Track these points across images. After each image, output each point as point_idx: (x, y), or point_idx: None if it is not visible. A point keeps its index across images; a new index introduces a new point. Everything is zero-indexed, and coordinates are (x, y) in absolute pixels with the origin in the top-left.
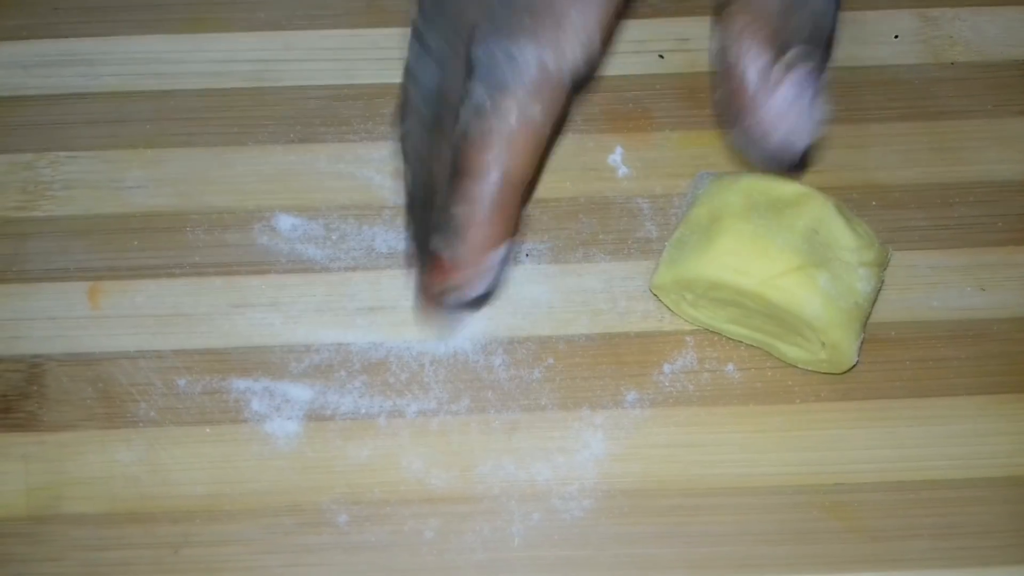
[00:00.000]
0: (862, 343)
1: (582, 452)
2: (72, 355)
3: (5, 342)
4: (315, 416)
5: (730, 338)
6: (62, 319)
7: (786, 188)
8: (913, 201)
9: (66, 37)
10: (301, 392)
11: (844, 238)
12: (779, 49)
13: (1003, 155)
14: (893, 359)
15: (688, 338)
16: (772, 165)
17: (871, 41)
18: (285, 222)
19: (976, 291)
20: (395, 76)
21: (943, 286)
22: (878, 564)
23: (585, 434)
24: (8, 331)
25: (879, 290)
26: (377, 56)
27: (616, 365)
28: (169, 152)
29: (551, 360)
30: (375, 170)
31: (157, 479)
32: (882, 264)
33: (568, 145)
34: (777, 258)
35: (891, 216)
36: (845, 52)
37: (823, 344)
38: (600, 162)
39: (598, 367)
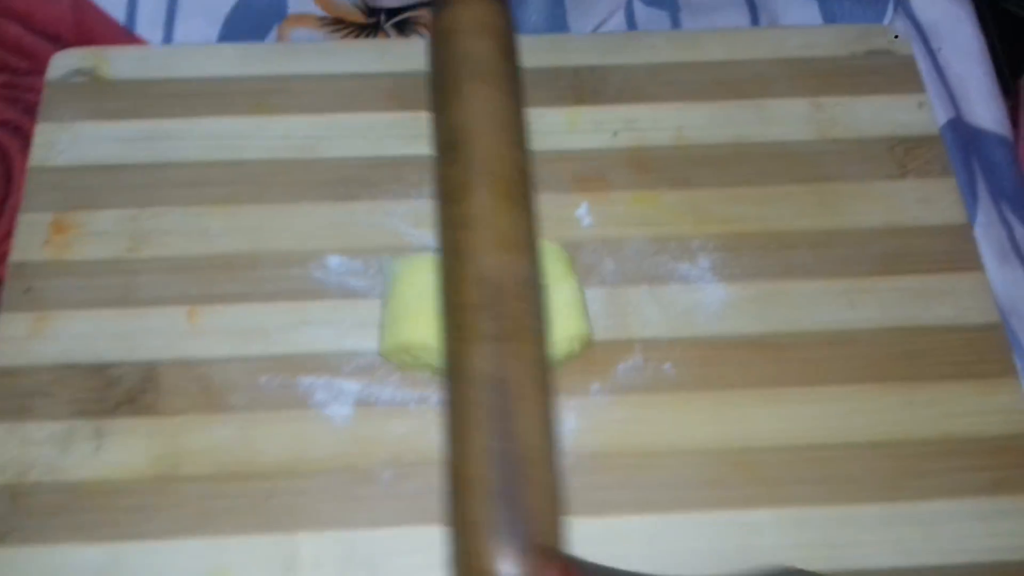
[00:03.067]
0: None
1: (561, 427)
2: (178, 360)
3: (127, 351)
4: (363, 403)
5: None
6: (169, 333)
7: None
8: (803, 243)
9: (154, 118)
10: (351, 386)
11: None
12: None
13: (870, 208)
14: (785, 358)
15: (637, 345)
16: None
17: (773, 122)
18: (334, 261)
19: (848, 308)
20: (414, 149)
21: (824, 305)
22: (772, 503)
23: (563, 414)
24: (128, 343)
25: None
26: (399, 134)
27: (585, 364)
28: (242, 207)
29: None
30: (400, 220)
31: (248, 449)
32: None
33: (545, 202)
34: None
35: (787, 254)
36: (755, 131)
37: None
38: (570, 216)
39: (571, 366)
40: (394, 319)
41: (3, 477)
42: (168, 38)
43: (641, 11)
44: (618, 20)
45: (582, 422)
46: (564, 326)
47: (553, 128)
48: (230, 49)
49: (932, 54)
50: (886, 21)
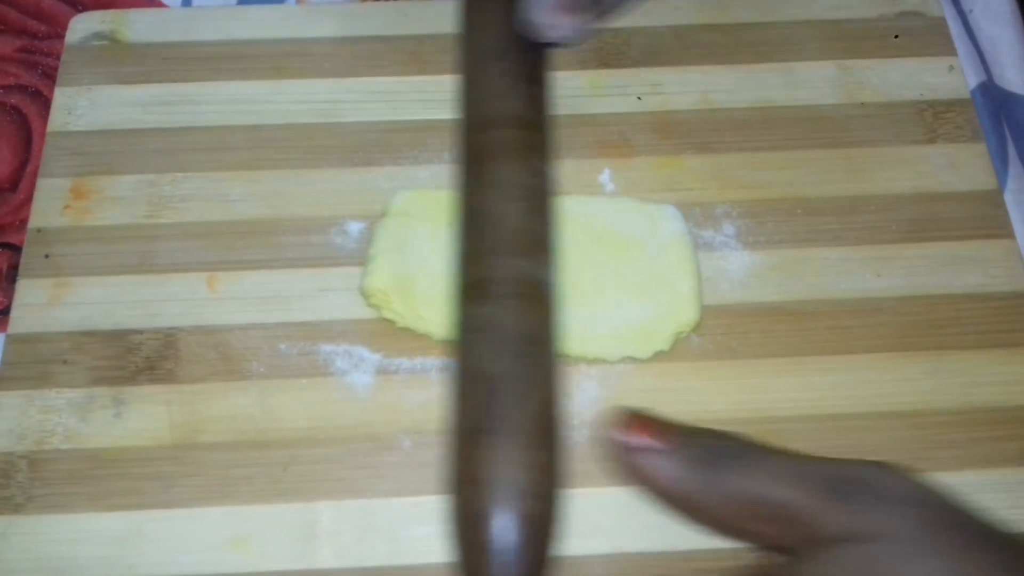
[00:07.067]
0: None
1: (581, 396)
2: (198, 327)
3: (146, 318)
4: (384, 371)
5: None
6: (188, 300)
7: None
8: (829, 210)
9: (174, 82)
10: (372, 354)
11: None
12: None
13: (898, 174)
14: (809, 327)
15: None
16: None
17: (800, 86)
18: (354, 227)
19: (873, 276)
20: (436, 114)
21: (849, 273)
22: None
23: (584, 383)
24: (148, 310)
25: None
26: (421, 98)
27: None
28: (262, 173)
29: None
30: (421, 185)
31: (268, 417)
32: None
33: (567, 168)
34: None
35: (812, 221)
36: (781, 95)
37: None
38: (593, 181)
39: None
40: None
41: (22, 445)
42: (187, 1)
43: None
44: None
45: (603, 391)
46: (683, 313)
47: (576, 92)
48: (250, 12)
49: (963, 16)
50: None
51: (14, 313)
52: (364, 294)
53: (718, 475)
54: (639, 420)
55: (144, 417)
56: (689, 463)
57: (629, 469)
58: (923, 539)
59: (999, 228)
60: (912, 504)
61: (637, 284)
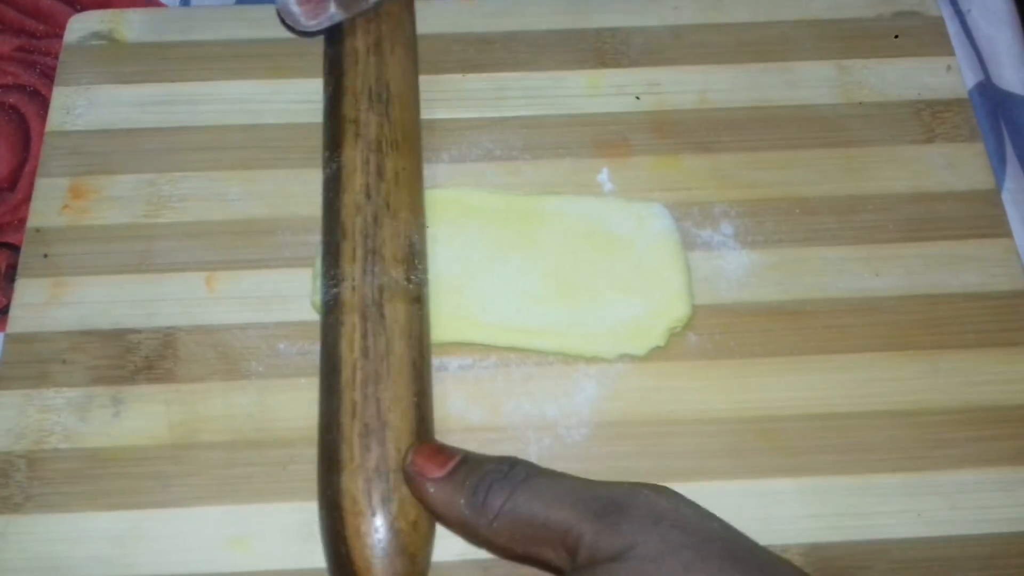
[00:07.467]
0: None
1: (580, 395)
2: (197, 327)
3: (144, 317)
4: None
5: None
6: (187, 300)
7: None
8: (827, 209)
9: (172, 81)
10: None
11: None
12: None
13: (896, 174)
14: (808, 326)
15: None
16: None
17: (798, 85)
18: None
19: (872, 275)
20: (433, 113)
21: (847, 272)
22: (793, 472)
23: (582, 382)
24: (146, 309)
25: None
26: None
27: None
28: (261, 172)
29: None
30: None
31: (267, 416)
32: None
33: (565, 167)
34: None
35: (810, 220)
36: (779, 94)
37: None
38: (591, 180)
39: None
40: (314, 278)
41: (21, 444)
42: (186, 1)
43: None
44: None
45: (601, 390)
46: (675, 308)
47: (574, 92)
48: (248, 12)
49: (961, 15)
50: None
51: (13, 312)
52: (316, 310)
53: (486, 499)
54: (420, 448)
55: (143, 416)
56: (459, 489)
57: (415, 496)
58: (683, 556)
59: (997, 227)
60: (674, 524)
61: (628, 281)
